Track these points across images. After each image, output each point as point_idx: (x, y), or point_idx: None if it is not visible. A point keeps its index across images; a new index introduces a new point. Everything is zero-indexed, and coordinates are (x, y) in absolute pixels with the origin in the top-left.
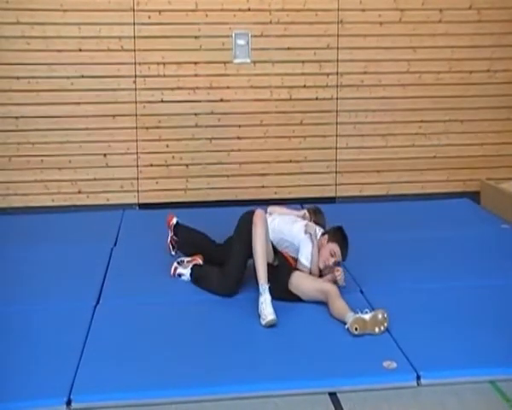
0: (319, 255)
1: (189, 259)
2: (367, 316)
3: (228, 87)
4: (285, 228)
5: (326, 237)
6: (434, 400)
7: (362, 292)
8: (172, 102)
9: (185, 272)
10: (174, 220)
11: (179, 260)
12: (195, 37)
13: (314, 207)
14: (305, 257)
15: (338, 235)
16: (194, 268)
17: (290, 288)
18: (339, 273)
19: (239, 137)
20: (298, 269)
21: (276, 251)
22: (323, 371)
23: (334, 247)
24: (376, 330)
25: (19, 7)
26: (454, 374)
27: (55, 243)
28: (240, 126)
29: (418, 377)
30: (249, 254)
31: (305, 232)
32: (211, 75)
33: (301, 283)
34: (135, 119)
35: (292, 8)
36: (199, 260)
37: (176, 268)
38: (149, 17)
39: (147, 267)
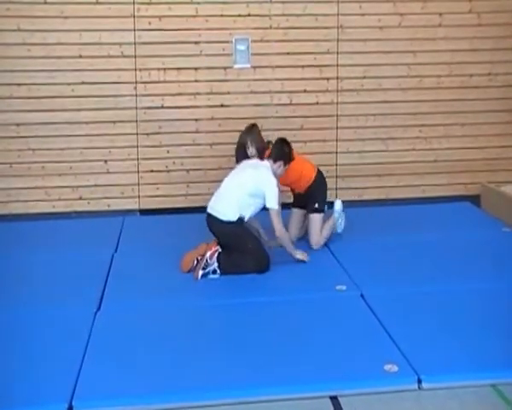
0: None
1: (207, 255)
2: None
3: (228, 92)
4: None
5: (275, 163)
6: (436, 403)
7: (362, 296)
8: (173, 108)
9: (212, 267)
10: (218, 248)
11: (203, 264)
12: (196, 42)
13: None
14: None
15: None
16: (221, 260)
17: None
18: None
19: None
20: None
21: None
22: (324, 375)
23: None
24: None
25: (19, 14)
26: (455, 378)
27: (55, 250)
28: (240, 132)
29: (419, 381)
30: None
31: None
32: (211, 81)
33: None
34: (135, 125)
35: (292, 14)
36: (215, 247)
37: (203, 274)
38: (150, 23)
39: (148, 273)
